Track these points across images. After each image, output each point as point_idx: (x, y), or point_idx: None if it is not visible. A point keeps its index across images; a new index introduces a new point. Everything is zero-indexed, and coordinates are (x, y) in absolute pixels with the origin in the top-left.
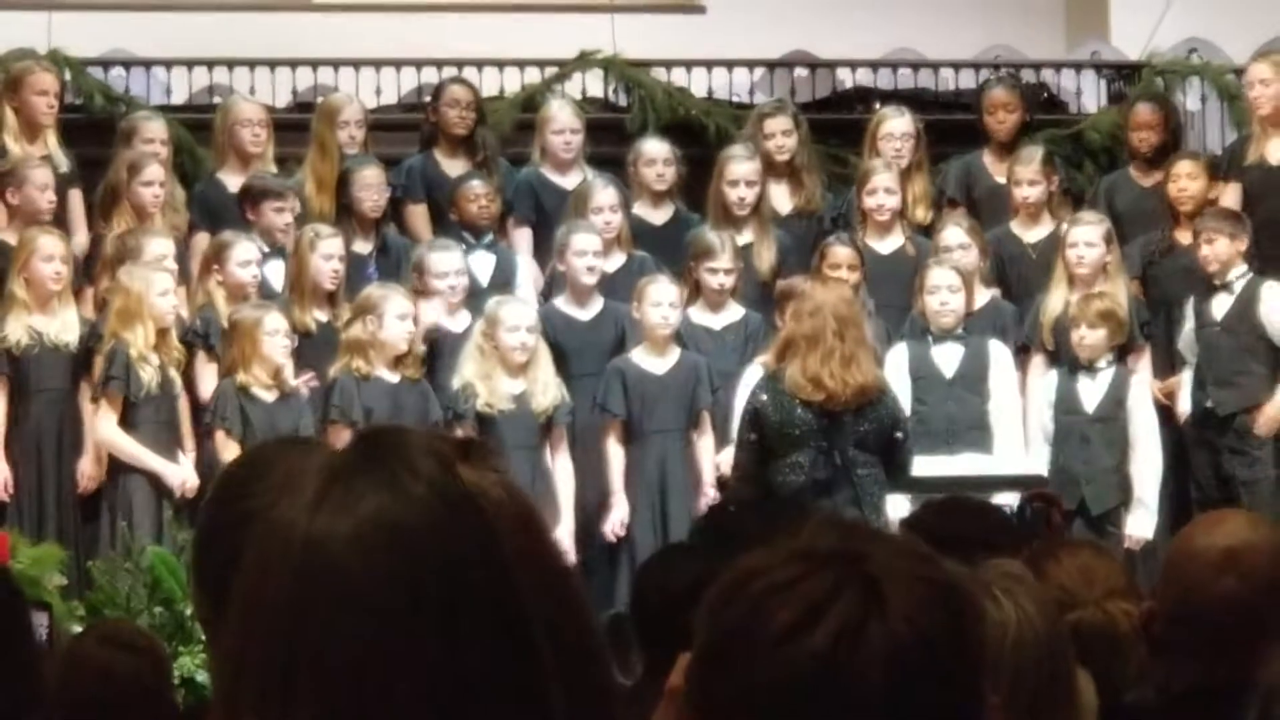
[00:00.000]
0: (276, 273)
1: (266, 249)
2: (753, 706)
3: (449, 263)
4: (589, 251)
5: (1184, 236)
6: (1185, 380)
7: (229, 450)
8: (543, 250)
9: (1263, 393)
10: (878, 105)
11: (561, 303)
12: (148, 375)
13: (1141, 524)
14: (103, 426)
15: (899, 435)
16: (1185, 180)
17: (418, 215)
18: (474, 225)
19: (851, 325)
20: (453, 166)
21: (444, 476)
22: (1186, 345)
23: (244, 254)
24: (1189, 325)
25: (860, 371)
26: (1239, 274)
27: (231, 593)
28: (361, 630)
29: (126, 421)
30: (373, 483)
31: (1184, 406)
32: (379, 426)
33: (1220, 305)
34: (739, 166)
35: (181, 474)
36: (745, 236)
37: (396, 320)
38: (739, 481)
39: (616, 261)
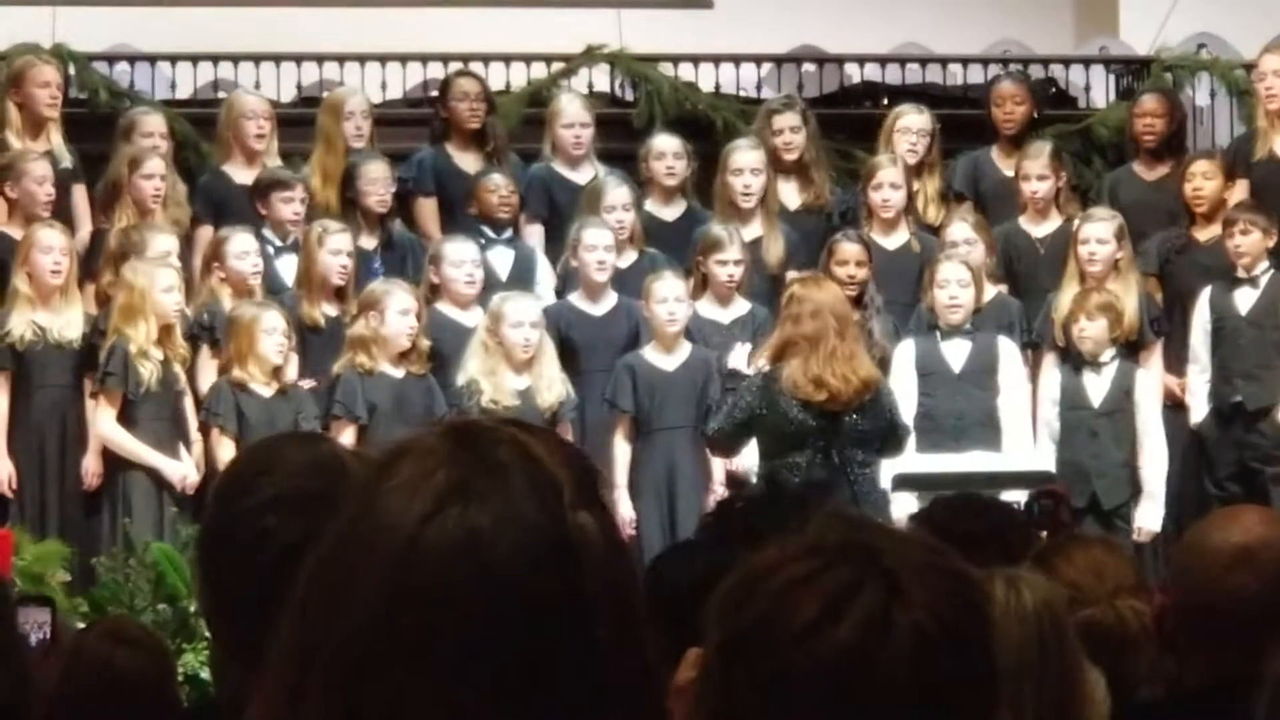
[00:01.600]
0: (289, 267)
1: (279, 243)
2: (776, 700)
3: (464, 252)
4: (600, 246)
5: (1200, 234)
6: (1195, 376)
7: (223, 447)
8: (554, 245)
9: None
10: (885, 101)
11: (575, 298)
12: (148, 371)
13: (1150, 517)
14: (101, 423)
15: (895, 423)
16: (1201, 180)
17: (426, 209)
18: (494, 218)
19: (850, 324)
20: (465, 160)
21: (550, 519)
22: (1201, 340)
23: (240, 246)
24: (1204, 319)
25: (862, 368)
26: (1263, 269)
27: (303, 579)
28: (437, 646)
29: (127, 418)
30: (485, 506)
31: (1199, 403)
32: (494, 434)
33: (1244, 299)
34: (743, 156)
35: (181, 470)
36: (754, 230)
37: (398, 316)
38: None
39: (628, 259)
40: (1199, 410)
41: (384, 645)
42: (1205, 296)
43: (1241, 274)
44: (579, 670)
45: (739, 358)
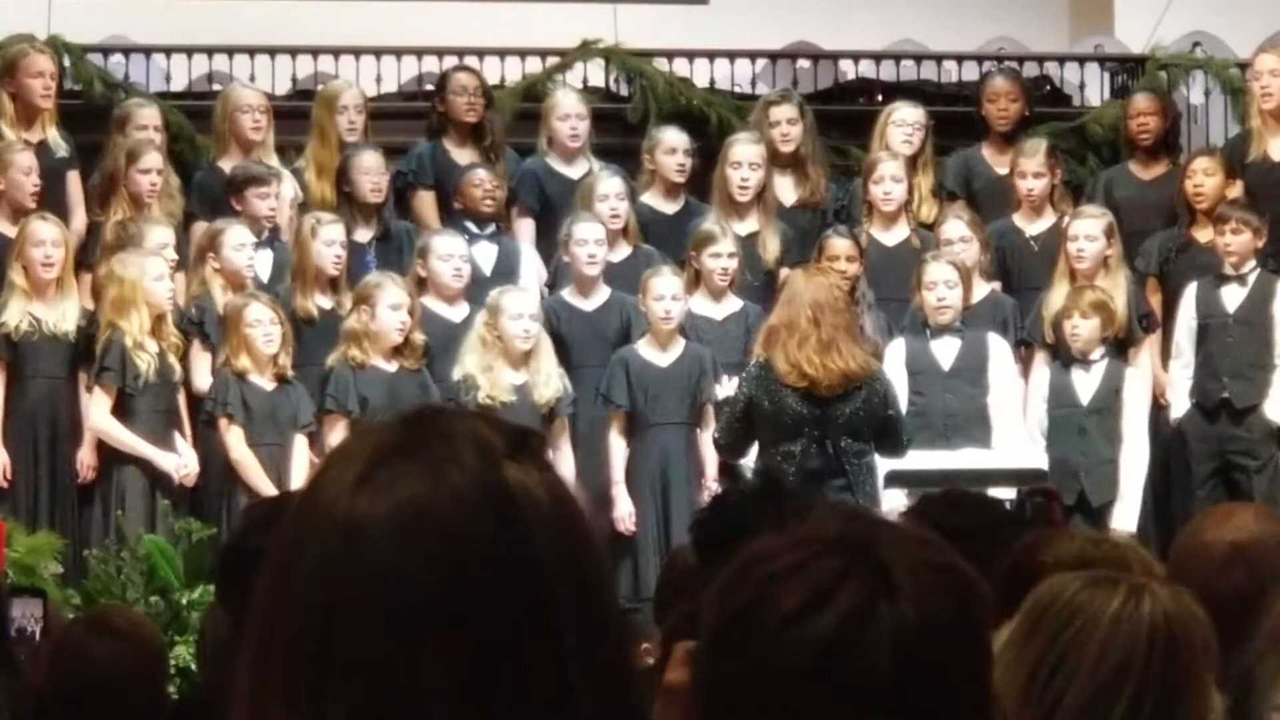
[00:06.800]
0: (264, 262)
1: (254, 238)
2: (760, 689)
3: (453, 246)
4: (591, 240)
5: (1200, 234)
6: (1178, 371)
7: (233, 436)
8: (547, 240)
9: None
10: (879, 97)
11: (566, 293)
12: (144, 363)
13: (1125, 518)
14: (96, 415)
15: (890, 414)
16: (1202, 176)
17: (425, 202)
18: (478, 212)
19: (830, 311)
20: (462, 155)
21: (487, 471)
22: (1185, 336)
23: (238, 239)
24: (1189, 314)
25: (841, 357)
26: (1250, 267)
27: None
28: (391, 618)
29: (124, 410)
30: (414, 469)
31: (1180, 398)
32: (431, 408)
33: (1232, 297)
34: (742, 149)
35: (177, 461)
36: (750, 225)
37: (389, 310)
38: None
39: (622, 253)
40: (1180, 405)
41: (332, 621)
42: (1191, 292)
43: (1229, 271)
44: (536, 645)
45: (724, 389)
